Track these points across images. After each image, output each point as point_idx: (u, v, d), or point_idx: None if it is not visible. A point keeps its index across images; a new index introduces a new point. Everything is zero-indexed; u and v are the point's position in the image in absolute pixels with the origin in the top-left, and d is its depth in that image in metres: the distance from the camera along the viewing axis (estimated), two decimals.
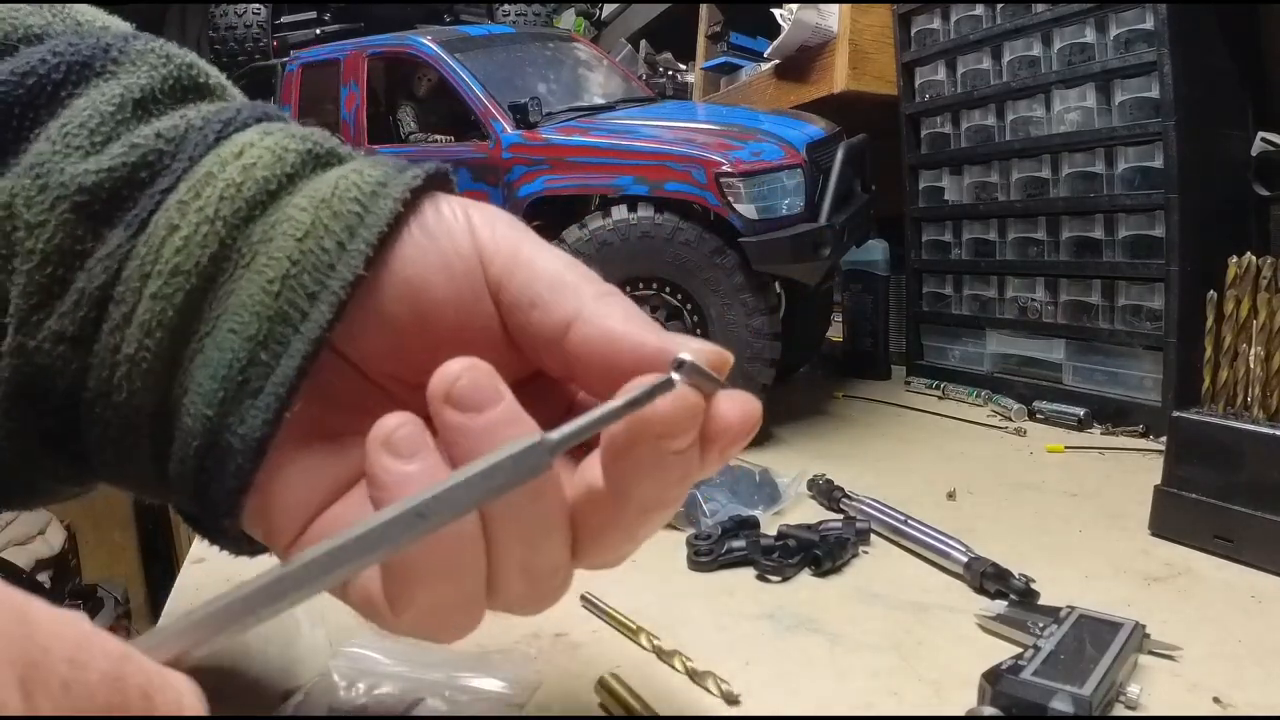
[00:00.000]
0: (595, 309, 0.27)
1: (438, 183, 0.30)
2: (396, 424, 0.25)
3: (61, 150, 0.28)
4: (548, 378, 0.31)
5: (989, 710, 0.36)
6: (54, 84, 0.29)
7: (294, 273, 0.27)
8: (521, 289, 0.28)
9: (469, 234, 0.29)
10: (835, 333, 1.20)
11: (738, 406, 0.26)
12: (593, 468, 0.27)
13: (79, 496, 0.34)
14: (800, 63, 1.22)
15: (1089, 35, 0.85)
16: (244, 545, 0.32)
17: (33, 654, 0.15)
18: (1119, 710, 0.37)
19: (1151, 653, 0.42)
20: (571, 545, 0.27)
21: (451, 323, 0.29)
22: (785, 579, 0.52)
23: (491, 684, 0.39)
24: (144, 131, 0.29)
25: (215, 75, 0.33)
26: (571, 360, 0.28)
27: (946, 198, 1.04)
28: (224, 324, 0.27)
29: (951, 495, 0.66)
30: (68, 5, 0.33)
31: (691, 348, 0.26)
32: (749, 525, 0.56)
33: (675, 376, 0.24)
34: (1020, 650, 0.39)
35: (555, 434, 0.24)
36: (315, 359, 0.27)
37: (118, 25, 0.34)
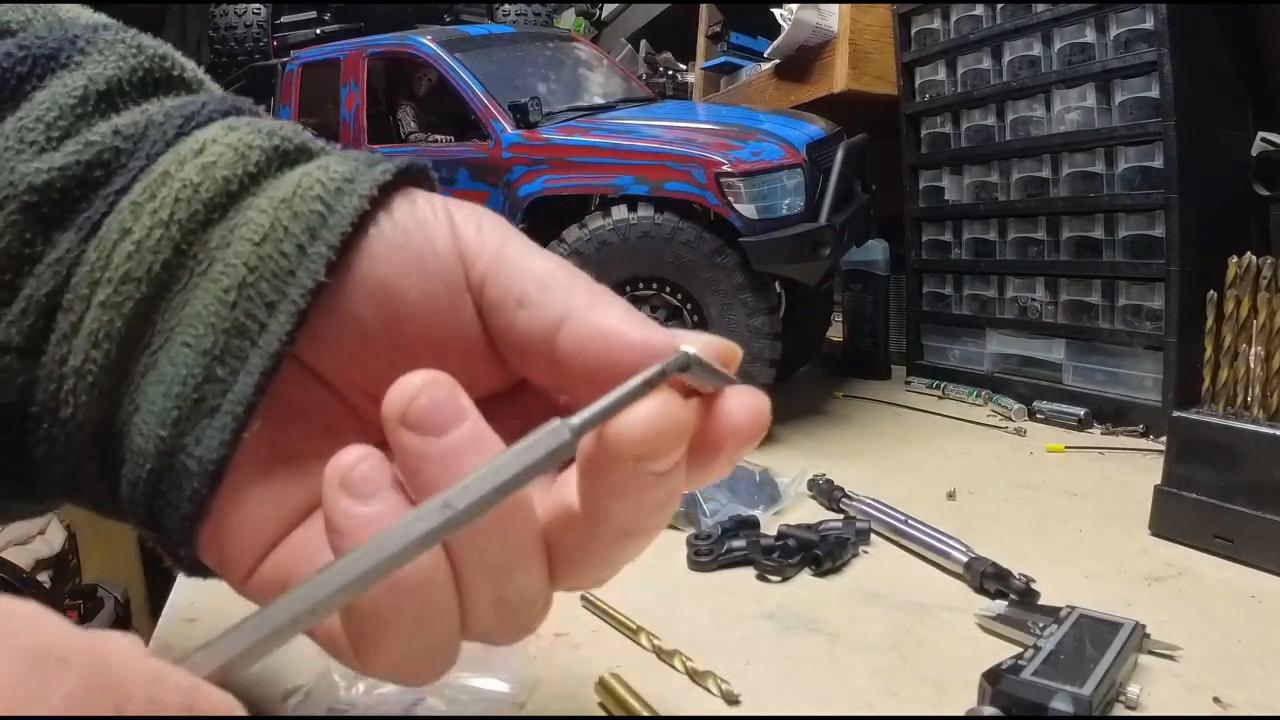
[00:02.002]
0: (589, 306, 0.25)
1: (413, 178, 0.28)
2: (354, 461, 0.23)
3: (14, 147, 0.26)
4: (530, 389, 0.29)
5: (989, 710, 0.36)
6: (18, 77, 0.27)
7: (251, 280, 0.25)
8: (508, 287, 0.26)
9: (449, 232, 0.27)
10: (835, 333, 1.20)
11: (747, 405, 0.24)
12: (569, 485, 0.24)
13: (37, 515, 0.32)
14: (800, 63, 1.22)
15: (1089, 35, 0.85)
16: (201, 571, 0.29)
17: (116, 698, 0.15)
18: (1119, 710, 0.37)
19: (1151, 653, 0.42)
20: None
21: (425, 328, 0.26)
22: (785, 579, 0.52)
23: (491, 684, 0.39)
24: (102, 128, 0.27)
25: (190, 68, 0.31)
26: (562, 363, 0.25)
27: (946, 198, 1.04)
28: (178, 336, 0.25)
29: (951, 495, 0.66)
30: (55, 5, 0.32)
31: (699, 343, 0.24)
32: (749, 525, 0.56)
33: (690, 350, 0.23)
34: (1020, 650, 0.39)
35: (576, 419, 0.22)
36: (274, 374, 0.25)
37: (104, 22, 0.32)
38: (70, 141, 0.26)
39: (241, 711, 0.18)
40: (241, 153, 0.27)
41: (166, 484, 0.26)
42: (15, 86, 0.27)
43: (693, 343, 0.24)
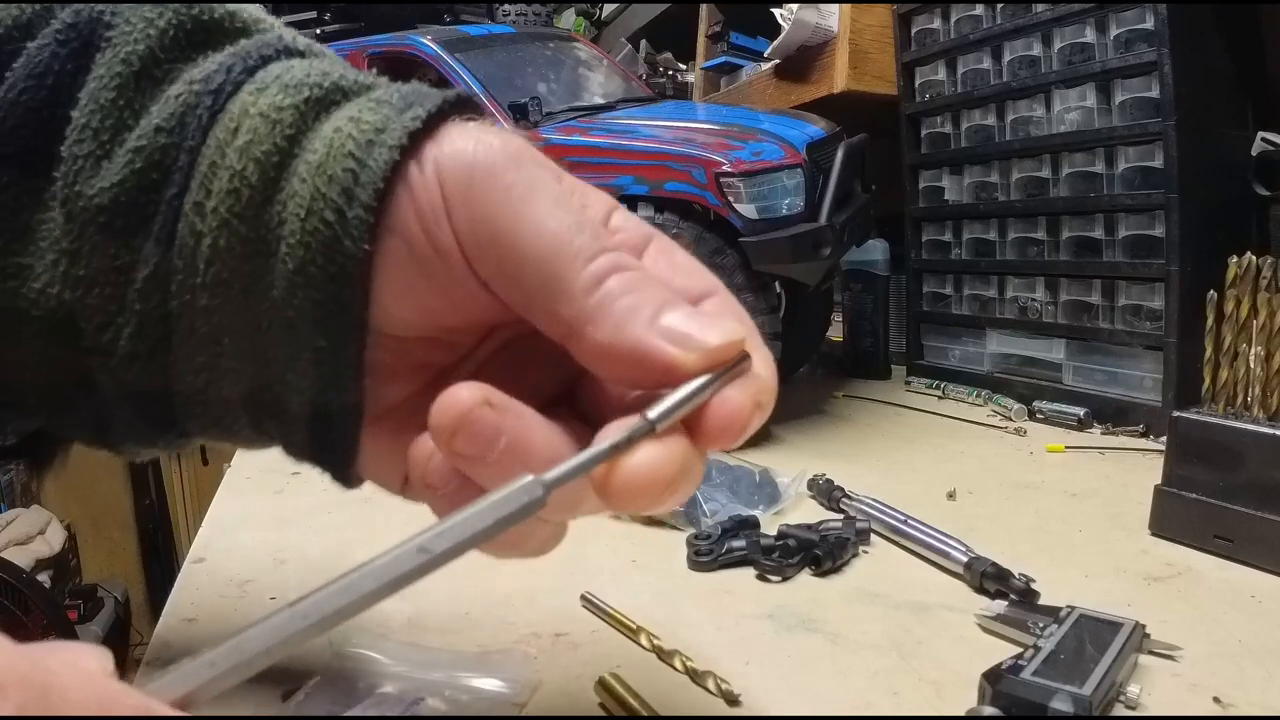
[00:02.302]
0: (593, 312, 0.25)
1: (453, 111, 0.27)
2: (457, 415, 0.24)
3: (75, 167, 0.27)
4: None
5: (989, 710, 0.36)
6: (70, 75, 0.28)
7: (309, 258, 0.26)
8: (511, 289, 0.26)
9: (443, 213, 0.26)
10: (835, 333, 1.20)
11: (726, 412, 0.24)
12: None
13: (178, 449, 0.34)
14: (800, 63, 1.22)
15: (1089, 35, 0.85)
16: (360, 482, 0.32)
17: None
18: (1119, 710, 0.37)
19: (1151, 653, 0.42)
20: None
21: (460, 271, 0.27)
22: (785, 579, 0.52)
23: (491, 684, 0.39)
24: (144, 128, 0.27)
25: (221, 5, 0.30)
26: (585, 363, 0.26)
27: (946, 198, 1.04)
28: (279, 321, 0.27)
29: (951, 495, 0.66)
30: None
31: (709, 344, 0.24)
32: (749, 525, 0.56)
33: (652, 415, 0.24)
34: (1020, 650, 0.39)
35: (549, 475, 0.23)
36: (363, 342, 0.27)
37: None
38: (119, 148, 0.27)
39: None
40: (273, 120, 0.27)
41: (321, 434, 0.28)
42: (69, 84, 0.28)
43: (691, 358, 0.24)
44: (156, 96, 0.28)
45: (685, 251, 0.29)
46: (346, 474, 0.30)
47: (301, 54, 0.30)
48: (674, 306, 0.25)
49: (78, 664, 0.16)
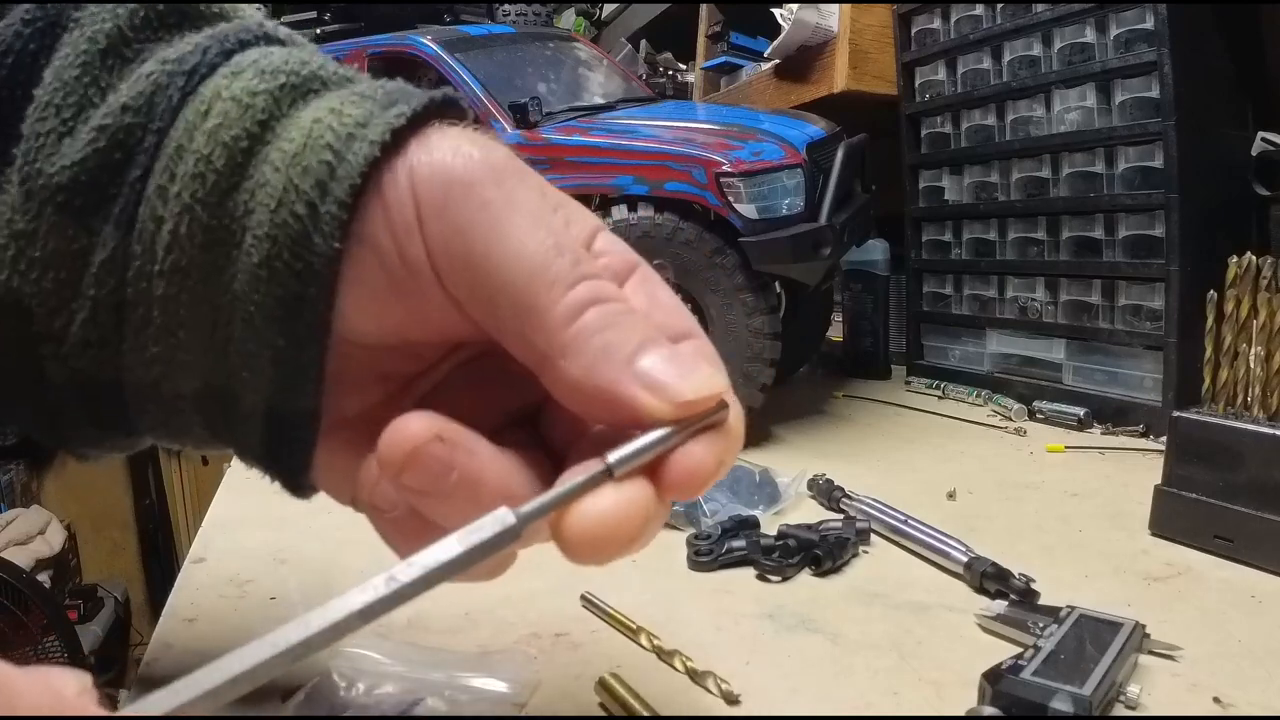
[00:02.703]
0: (567, 345, 0.24)
1: (438, 112, 0.26)
2: (406, 452, 0.23)
3: (35, 144, 0.26)
4: None
5: (989, 710, 0.36)
6: (30, 55, 0.27)
7: (275, 252, 0.25)
8: (483, 311, 0.25)
9: (415, 227, 0.25)
10: (835, 333, 1.20)
11: (686, 468, 0.23)
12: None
13: (131, 450, 0.33)
14: (800, 63, 1.22)
15: (1089, 35, 0.85)
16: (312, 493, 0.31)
17: None
18: (1119, 710, 0.37)
19: (1151, 653, 0.42)
20: None
21: (428, 288, 0.25)
22: (785, 579, 0.52)
23: (491, 684, 0.39)
24: (110, 105, 0.26)
25: None
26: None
27: (946, 198, 1.04)
28: (238, 313, 0.26)
29: (951, 495, 0.66)
30: None
31: (684, 397, 0.23)
32: (749, 525, 0.56)
33: (613, 458, 0.23)
34: (1020, 650, 0.39)
35: (523, 509, 0.22)
36: (325, 344, 0.26)
37: None
38: (83, 125, 0.26)
39: None
40: (245, 104, 0.26)
41: (275, 439, 0.27)
42: (30, 64, 0.27)
43: (655, 405, 0.23)
44: (125, 75, 0.27)
45: (668, 288, 0.28)
46: (299, 482, 0.29)
47: (281, 42, 0.29)
48: (652, 348, 0.24)
49: (49, 683, 0.16)
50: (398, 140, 0.25)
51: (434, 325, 0.27)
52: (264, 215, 0.25)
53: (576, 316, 0.24)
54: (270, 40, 0.29)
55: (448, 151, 0.25)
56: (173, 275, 0.26)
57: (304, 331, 0.25)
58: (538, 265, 0.24)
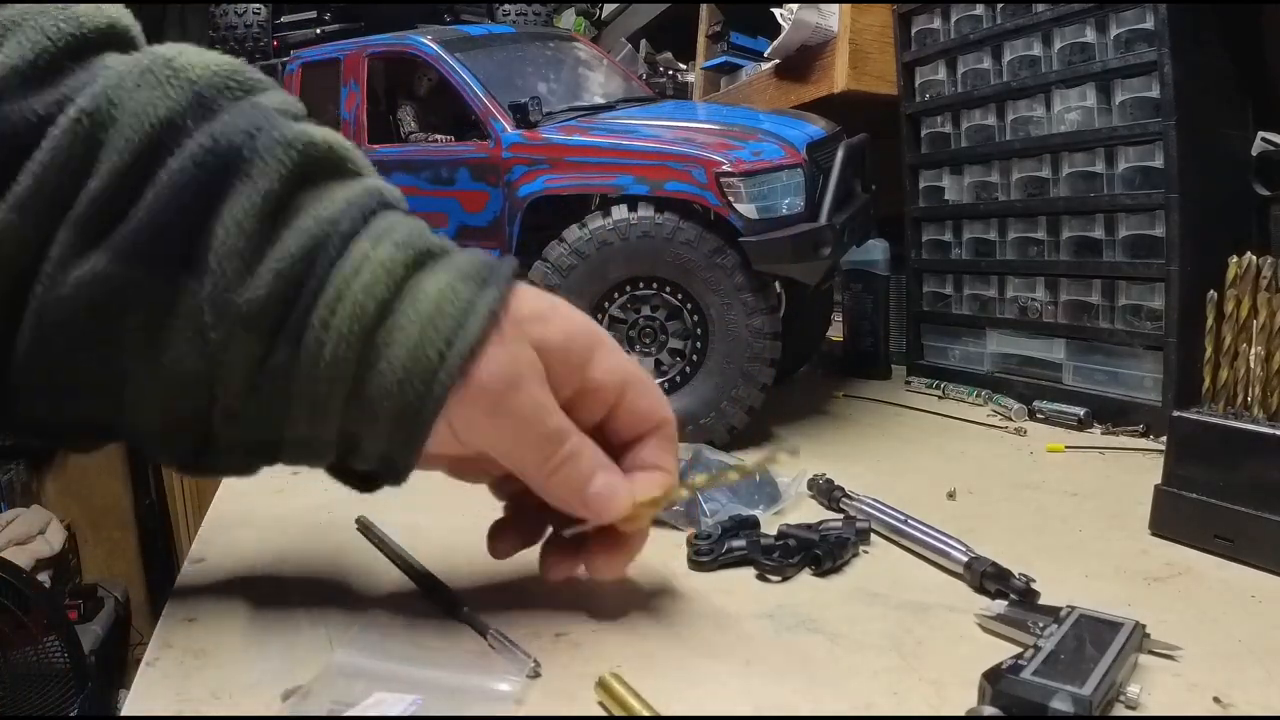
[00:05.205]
0: (545, 488, 0.43)
1: (512, 282, 0.41)
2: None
3: (226, 278, 0.36)
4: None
5: (989, 710, 0.36)
6: (207, 194, 0.36)
7: (405, 378, 0.38)
8: (497, 465, 0.44)
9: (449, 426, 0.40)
10: (835, 333, 1.20)
11: (597, 565, 0.45)
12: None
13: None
14: (800, 62, 1.22)
15: (1089, 35, 0.85)
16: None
17: None
18: (1119, 710, 0.37)
19: (1151, 653, 0.42)
20: None
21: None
22: (785, 579, 0.52)
23: (491, 684, 0.39)
24: (282, 251, 0.37)
25: (339, 147, 0.40)
26: None
27: (946, 197, 1.04)
28: (367, 417, 0.39)
29: (951, 495, 0.66)
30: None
31: (612, 516, 0.43)
32: (749, 525, 0.56)
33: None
34: (1020, 650, 0.39)
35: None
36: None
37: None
38: (262, 267, 0.37)
39: None
40: (389, 269, 0.38)
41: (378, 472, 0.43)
42: (212, 194, 0.36)
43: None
44: (288, 223, 0.38)
45: (651, 393, 0.45)
46: (368, 490, 0.45)
47: (391, 206, 0.41)
48: (596, 480, 0.42)
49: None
50: (495, 317, 0.39)
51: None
52: (402, 351, 0.38)
53: (551, 475, 0.42)
54: (386, 205, 0.41)
55: (491, 371, 0.40)
56: (328, 381, 0.38)
57: (414, 433, 0.39)
58: (526, 465, 0.42)
